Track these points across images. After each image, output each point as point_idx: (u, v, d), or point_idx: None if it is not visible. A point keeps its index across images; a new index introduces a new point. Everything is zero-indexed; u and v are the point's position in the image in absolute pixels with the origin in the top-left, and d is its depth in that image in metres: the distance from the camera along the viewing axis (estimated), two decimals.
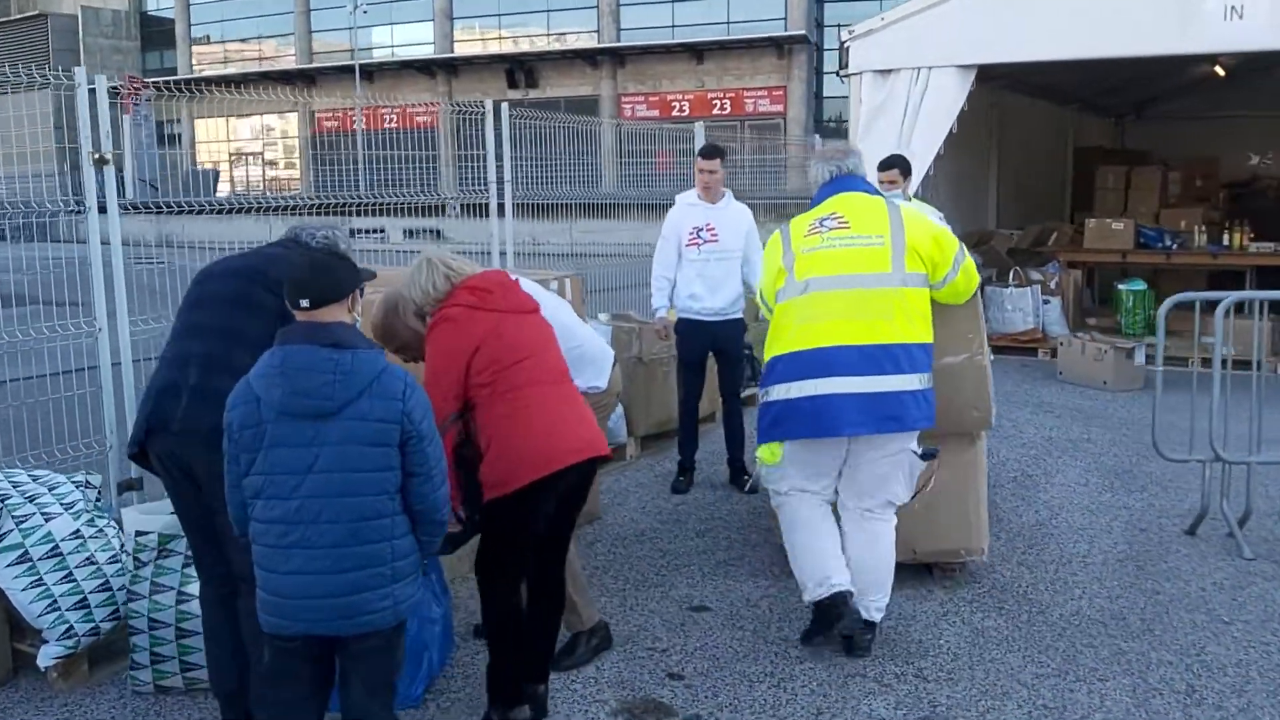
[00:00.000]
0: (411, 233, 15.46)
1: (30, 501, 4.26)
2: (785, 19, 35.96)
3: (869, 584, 4.45)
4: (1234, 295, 5.85)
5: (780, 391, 4.35)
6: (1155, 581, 5.19)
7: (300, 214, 7.00)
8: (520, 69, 39.10)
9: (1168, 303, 5.63)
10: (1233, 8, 9.14)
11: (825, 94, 36.87)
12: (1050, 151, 15.93)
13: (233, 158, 39.55)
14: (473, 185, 8.99)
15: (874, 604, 4.47)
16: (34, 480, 4.41)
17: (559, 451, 3.73)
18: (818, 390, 4.24)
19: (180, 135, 37.50)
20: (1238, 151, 16.46)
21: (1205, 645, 4.51)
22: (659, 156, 13.68)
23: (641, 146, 13.44)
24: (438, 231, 16.39)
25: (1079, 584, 5.18)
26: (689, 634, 4.68)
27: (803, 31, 35.34)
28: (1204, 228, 12.52)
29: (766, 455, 4.51)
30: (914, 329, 4.33)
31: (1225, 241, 12.12)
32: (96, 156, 5.14)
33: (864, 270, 4.36)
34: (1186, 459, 5.81)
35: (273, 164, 40.21)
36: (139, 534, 4.15)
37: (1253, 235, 12.11)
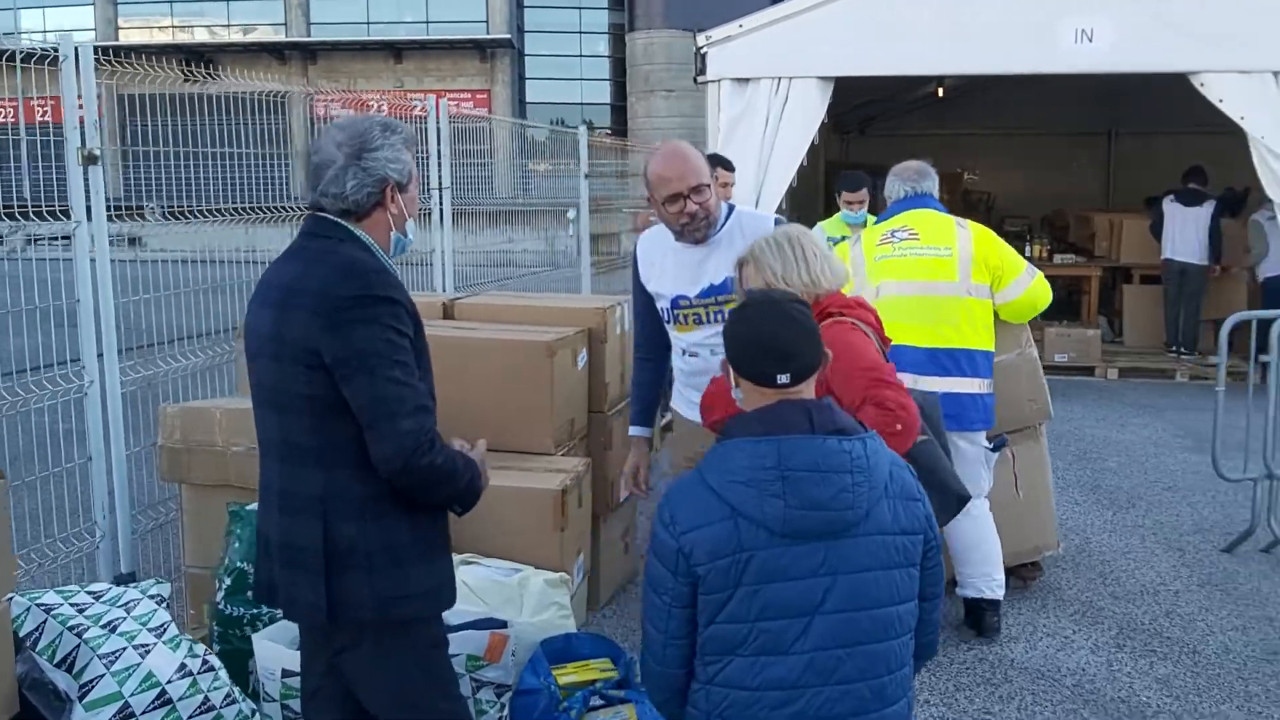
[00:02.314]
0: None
1: (112, 632, 3.07)
2: (487, 21, 35.22)
3: (983, 561, 4.65)
4: None
5: None
6: (1258, 608, 5.08)
7: None
8: (198, 61, 36.00)
9: (1230, 320, 5.57)
10: (1082, 31, 9.51)
11: (529, 99, 36.45)
12: (811, 164, 16.26)
13: None
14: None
15: (994, 581, 4.68)
16: (98, 599, 3.19)
17: None
18: None
19: None
20: (951, 167, 17.49)
21: None
22: None
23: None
24: (136, 239, 14.59)
25: (1194, 616, 4.98)
26: None
27: (506, 35, 34.74)
28: None
29: None
30: (978, 336, 4.61)
31: (1026, 253, 12.78)
32: (85, 153, 3.86)
33: (932, 278, 4.60)
34: (1242, 478, 5.81)
35: None
36: (286, 674, 3.06)
37: (1050, 248, 12.87)
